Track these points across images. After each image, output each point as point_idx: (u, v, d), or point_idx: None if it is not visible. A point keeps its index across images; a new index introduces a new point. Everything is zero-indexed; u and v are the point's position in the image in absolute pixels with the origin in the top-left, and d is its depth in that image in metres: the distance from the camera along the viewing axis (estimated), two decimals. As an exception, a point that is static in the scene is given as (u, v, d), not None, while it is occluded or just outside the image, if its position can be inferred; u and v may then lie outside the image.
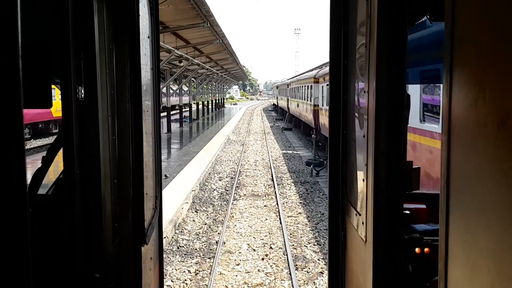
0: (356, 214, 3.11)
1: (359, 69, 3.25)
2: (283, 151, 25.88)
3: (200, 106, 56.89)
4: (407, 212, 3.08)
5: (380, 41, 2.58)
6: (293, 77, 46.40)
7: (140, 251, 3.03)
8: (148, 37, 3.32)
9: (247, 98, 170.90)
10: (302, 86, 32.57)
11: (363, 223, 2.88)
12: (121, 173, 2.96)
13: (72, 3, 2.52)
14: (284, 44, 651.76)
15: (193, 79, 45.52)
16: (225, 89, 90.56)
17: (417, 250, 3.02)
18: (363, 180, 2.86)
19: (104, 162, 2.77)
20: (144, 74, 3.04)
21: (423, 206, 3.53)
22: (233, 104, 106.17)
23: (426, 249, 3.02)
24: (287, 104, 44.41)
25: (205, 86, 59.42)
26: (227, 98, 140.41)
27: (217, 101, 72.43)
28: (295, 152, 25.45)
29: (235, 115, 60.25)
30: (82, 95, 2.61)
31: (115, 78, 2.90)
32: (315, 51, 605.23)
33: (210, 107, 62.74)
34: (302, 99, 32.50)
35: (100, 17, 2.71)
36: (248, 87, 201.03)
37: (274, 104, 78.59)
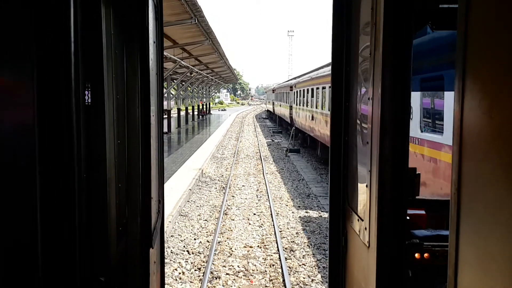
0: (358, 220, 3.10)
1: (362, 76, 3.20)
2: (300, 211, 12.74)
3: (183, 113, 46.48)
4: (407, 217, 2.93)
5: (386, 48, 2.60)
6: (301, 76, 35.78)
7: (148, 255, 3.10)
8: (154, 42, 3.35)
9: (238, 103, 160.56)
10: (318, 88, 22.15)
11: (366, 228, 2.86)
12: (128, 178, 2.98)
13: (80, 8, 2.44)
14: (277, 47, 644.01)
15: (173, 81, 35.60)
16: (212, 93, 80.00)
17: (417, 255, 3.07)
18: (367, 186, 2.87)
19: (110, 166, 2.73)
20: (151, 79, 3.09)
21: (423, 212, 3.59)
22: (222, 110, 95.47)
23: (425, 255, 3.07)
24: (291, 114, 33.90)
25: (188, 88, 48.89)
26: (216, 103, 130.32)
27: (200, 107, 61.79)
28: (323, 213, 12.52)
29: (222, 124, 49.67)
30: (89, 100, 2.57)
31: (124, 83, 2.93)
32: (310, 53, 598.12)
33: (192, 113, 52.17)
34: (317, 107, 21.98)
35: (107, 22, 2.69)
36: (239, 91, 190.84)
37: (268, 111, 68.29)
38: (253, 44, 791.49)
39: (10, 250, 2.09)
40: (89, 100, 2.58)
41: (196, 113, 58.41)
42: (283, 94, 41.36)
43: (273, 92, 54.39)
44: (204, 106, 65.73)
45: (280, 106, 43.59)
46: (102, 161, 2.64)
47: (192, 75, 41.35)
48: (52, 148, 2.22)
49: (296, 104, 30.60)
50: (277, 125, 44.90)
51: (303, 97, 27.14)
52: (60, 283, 2.26)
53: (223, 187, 16.22)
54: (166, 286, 7.23)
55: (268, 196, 14.77)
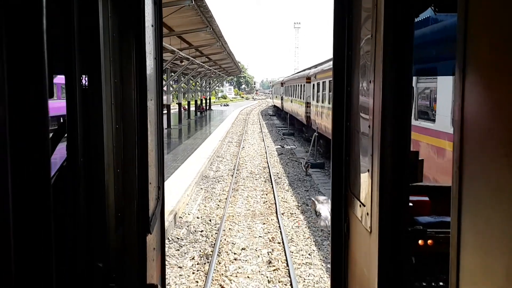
0: (360, 205, 3.10)
1: (364, 59, 3.17)
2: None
3: (176, 110, 39.27)
4: (411, 204, 2.99)
5: (387, 31, 2.58)
6: (324, 63, 28.56)
7: (145, 241, 3.05)
8: (152, 25, 3.31)
9: (242, 97, 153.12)
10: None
11: (368, 214, 2.86)
12: (125, 162, 2.95)
13: None
14: (282, 40, 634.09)
15: (173, 73, 28.60)
16: (214, 87, 72.70)
17: (420, 242, 3.06)
18: (368, 171, 2.84)
19: (108, 150, 2.67)
20: (148, 63, 3.06)
21: (426, 198, 3.55)
22: (224, 105, 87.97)
23: (429, 241, 3.06)
24: (308, 113, 26.47)
25: (191, 82, 41.64)
26: (219, 97, 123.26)
27: (199, 103, 54.49)
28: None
29: (222, 123, 42.33)
30: (86, 83, 2.54)
31: (120, 67, 2.91)
32: (317, 45, 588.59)
33: (188, 110, 44.91)
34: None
35: (104, 4, 2.64)
36: (243, 85, 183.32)
37: (275, 107, 60.99)
38: (258, 38, 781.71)
39: (5, 236, 1.93)
40: (86, 84, 2.52)
41: (188, 110, 51.19)
42: (295, 87, 33.95)
43: (282, 86, 46.98)
44: (204, 101, 58.44)
45: (292, 102, 36.20)
46: (100, 145, 2.56)
47: (192, 67, 34.21)
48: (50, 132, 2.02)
49: (317, 101, 23.23)
50: (288, 124, 37.56)
51: (330, 91, 19.83)
52: (57, 268, 2.02)
53: (208, 256, 9.00)
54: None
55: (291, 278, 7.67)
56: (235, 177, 17.06)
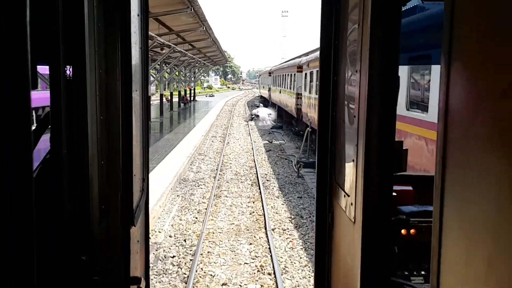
0: (344, 196, 3.10)
1: (351, 49, 3.15)
2: None
3: (158, 101, 36.87)
4: (394, 194, 3.01)
5: (374, 21, 2.56)
6: (318, 50, 26.25)
7: (129, 233, 3.04)
8: (138, 15, 3.30)
9: (229, 87, 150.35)
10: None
11: (352, 204, 2.87)
12: (110, 154, 2.92)
13: None
14: (270, 29, 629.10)
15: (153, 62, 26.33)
16: (198, 76, 70.14)
17: (403, 231, 3.11)
18: (353, 160, 2.84)
19: (92, 142, 2.62)
20: (133, 53, 3.05)
21: (410, 188, 3.56)
22: (210, 96, 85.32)
23: (412, 231, 3.11)
24: (299, 105, 24.37)
25: (176, 73, 39.27)
26: (204, 88, 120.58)
27: (182, 93, 52.08)
28: None
29: (207, 114, 40.09)
30: (70, 74, 2.49)
31: (106, 57, 2.87)
32: (305, 34, 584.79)
33: (171, 101, 42.54)
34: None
35: None
36: (230, 75, 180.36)
37: (262, 97, 58.87)
38: (245, 27, 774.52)
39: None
40: (70, 75, 2.49)
41: (169, 102, 48.81)
42: (285, 77, 31.83)
43: (270, 75, 44.80)
44: (188, 92, 56.02)
45: (280, 93, 34.08)
46: (84, 137, 2.52)
47: (175, 55, 31.85)
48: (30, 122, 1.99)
49: (310, 92, 21.16)
50: (276, 117, 35.51)
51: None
52: (41, 261, 2.02)
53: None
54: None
55: None
56: (218, 180, 14.98)
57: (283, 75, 33.31)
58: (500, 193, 1.13)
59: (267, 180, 14.97)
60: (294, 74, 26.56)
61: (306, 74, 22.86)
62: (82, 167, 2.52)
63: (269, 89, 44.86)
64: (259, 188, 13.68)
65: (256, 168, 16.83)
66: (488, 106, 1.21)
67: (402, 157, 2.83)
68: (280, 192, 13.40)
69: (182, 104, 50.53)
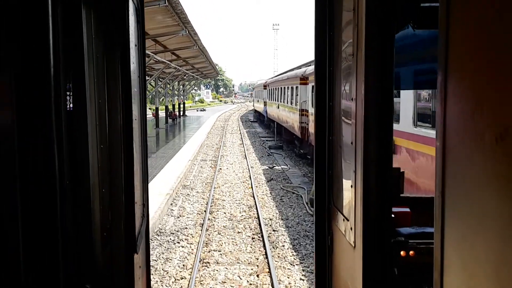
0: (343, 220, 3.10)
1: (345, 76, 3.22)
2: None
3: (149, 115, 32.89)
4: (392, 215, 3.01)
5: (368, 49, 2.61)
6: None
7: (133, 260, 3.06)
8: (136, 45, 3.34)
9: (221, 101, 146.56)
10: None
11: (351, 228, 2.87)
12: (111, 182, 2.98)
13: (60, 12, 2.45)
14: (261, 42, 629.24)
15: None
16: (188, 90, 66.29)
17: (402, 253, 3.10)
18: (352, 186, 2.87)
19: (93, 171, 2.73)
20: (133, 83, 3.10)
21: (407, 209, 3.56)
22: (201, 110, 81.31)
23: (411, 252, 3.09)
24: (304, 123, 20.38)
25: (165, 85, 35.36)
26: (196, 101, 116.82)
27: (170, 108, 48.11)
28: None
29: (196, 133, 36.08)
30: (71, 105, 2.59)
31: (106, 88, 2.93)
32: (297, 47, 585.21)
33: (156, 117, 38.52)
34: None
35: (88, 26, 2.68)
36: (221, 88, 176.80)
37: (257, 112, 55.15)
38: (236, 40, 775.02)
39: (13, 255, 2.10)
40: (71, 106, 2.53)
41: (165, 115, 44.79)
42: (284, 90, 28.03)
43: (265, 88, 41.02)
44: (177, 107, 52.05)
45: (279, 108, 30.24)
46: (86, 166, 2.59)
47: (157, 66, 28.03)
48: (35, 154, 2.19)
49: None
50: (275, 135, 31.56)
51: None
52: None
53: None
54: None
55: None
56: (207, 230, 10.98)
57: (281, 88, 29.51)
58: (501, 214, 1.13)
59: (274, 231, 10.96)
60: (297, 87, 22.75)
61: (312, 86, 19.04)
62: (84, 196, 2.57)
63: (265, 104, 41.02)
64: (264, 247, 9.69)
65: (256, 209, 12.85)
66: (485, 130, 1.22)
67: (399, 181, 3.16)
68: (294, 252, 9.42)
69: (170, 120, 46.56)
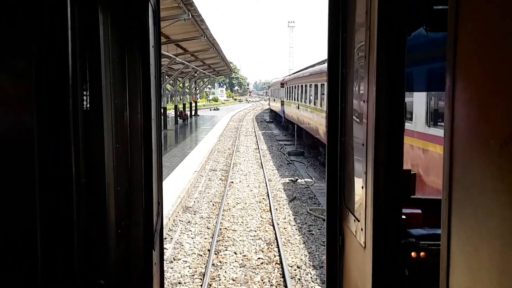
0: (354, 220, 3.12)
1: (357, 78, 3.25)
2: None
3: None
4: (403, 217, 3.01)
5: (380, 52, 2.62)
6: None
7: (151, 257, 3.11)
8: (153, 46, 3.36)
9: (235, 99, 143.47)
10: None
11: (362, 229, 2.89)
12: (129, 181, 3.04)
13: (77, 13, 2.46)
14: (276, 40, 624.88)
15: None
16: (202, 88, 63.24)
17: (413, 254, 3.10)
18: (362, 187, 2.89)
19: (108, 169, 2.75)
20: (152, 83, 3.15)
21: (419, 211, 3.56)
22: (214, 109, 78.03)
23: (422, 253, 3.10)
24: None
25: (181, 85, 32.41)
26: (210, 100, 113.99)
27: (180, 108, 45.04)
28: None
29: (207, 135, 32.87)
30: (88, 105, 2.62)
31: (127, 88, 2.98)
32: (312, 45, 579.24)
33: (163, 117, 35.44)
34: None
35: (104, 27, 2.70)
36: (236, 87, 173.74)
37: (272, 111, 51.87)
38: (251, 38, 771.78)
39: (9, 255, 2.12)
40: (88, 106, 2.57)
41: (174, 116, 41.73)
42: (305, 88, 24.63)
43: (282, 87, 37.64)
44: (188, 106, 48.99)
45: (299, 109, 26.84)
46: (101, 165, 2.63)
47: (175, 66, 25.01)
48: (52, 153, 2.24)
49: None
50: (294, 137, 28.08)
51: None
52: (60, 285, 2.22)
53: None
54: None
55: None
56: (210, 286, 7.71)
57: (302, 86, 26.11)
58: (505, 219, 1.14)
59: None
60: (322, 85, 19.37)
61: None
62: (99, 194, 2.60)
63: (282, 103, 37.64)
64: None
65: (278, 247, 9.56)
66: (492, 131, 1.23)
67: (410, 183, 3.07)
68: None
69: (180, 120, 43.49)
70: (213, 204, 13.43)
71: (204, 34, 19.50)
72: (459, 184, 1.45)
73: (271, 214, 12.19)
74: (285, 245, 9.79)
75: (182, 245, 9.84)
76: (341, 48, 3.51)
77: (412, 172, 3.11)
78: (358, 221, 2.99)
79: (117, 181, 2.87)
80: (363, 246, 2.85)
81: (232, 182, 16.65)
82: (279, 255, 9.16)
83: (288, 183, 16.40)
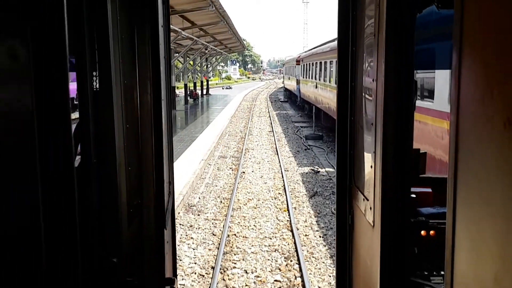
0: (363, 199, 3.16)
1: (367, 57, 3.24)
2: None
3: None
4: (413, 195, 3.08)
5: (389, 29, 2.60)
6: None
7: (163, 235, 3.15)
8: (161, 26, 3.30)
9: (248, 77, 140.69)
10: None
11: (371, 208, 2.92)
12: (142, 161, 3.06)
13: None
14: (290, 17, 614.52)
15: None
16: (214, 66, 60.98)
17: (423, 233, 3.13)
18: (371, 166, 2.89)
19: (119, 150, 2.71)
20: (161, 64, 3.15)
21: (429, 189, 3.59)
22: (226, 88, 75.54)
23: (431, 232, 3.13)
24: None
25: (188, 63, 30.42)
26: (222, 78, 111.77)
27: (191, 87, 43.02)
28: None
29: (217, 117, 30.87)
30: (97, 86, 2.56)
31: (137, 68, 2.98)
32: (327, 22, 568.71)
33: (184, 94, 33.49)
34: None
35: (113, 7, 2.61)
36: (249, 65, 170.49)
37: (287, 90, 49.62)
38: (265, 16, 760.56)
39: (20, 235, 2.11)
40: (97, 86, 2.55)
41: (184, 95, 39.74)
42: (325, 66, 22.35)
43: (298, 64, 35.28)
44: (199, 85, 46.89)
45: (317, 88, 24.59)
46: (112, 145, 2.63)
47: (183, 42, 22.96)
48: (61, 135, 2.17)
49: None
50: (312, 119, 25.89)
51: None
52: (72, 264, 2.22)
53: None
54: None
55: None
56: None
57: (321, 63, 23.82)
58: (508, 199, 1.16)
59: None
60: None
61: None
62: (110, 174, 2.59)
63: (298, 82, 35.35)
64: None
65: (299, 262, 7.65)
66: (498, 109, 1.22)
67: (419, 162, 2.95)
68: None
69: (191, 100, 41.53)
70: (221, 201, 11.52)
71: (212, 4, 17.30)
72: (465, 163, 1.45)
73: (289, 215, 10.26)
74: (307, 261, 7.87)
75: (181, 260, 7.96)
76: (351, 26, 3.48)
77: (421, 151, 3.01)
78: (367, 200, 3.02)
79: (128, 161, 2.85)
80: (372, 224, 2.88)
81: (243, 172, 14.71)
82: (301, 276, 7.24)
83: (307, 173, 14.41)
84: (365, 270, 3.16)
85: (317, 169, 14.89)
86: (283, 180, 13.46)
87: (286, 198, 11.63)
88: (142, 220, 3.02)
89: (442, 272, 3.05)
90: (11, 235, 2.05)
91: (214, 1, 17.14)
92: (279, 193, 12.29)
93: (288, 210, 10.68)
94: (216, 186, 13.06)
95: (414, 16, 2.67)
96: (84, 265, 2.33)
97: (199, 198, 11.79)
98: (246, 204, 11.33)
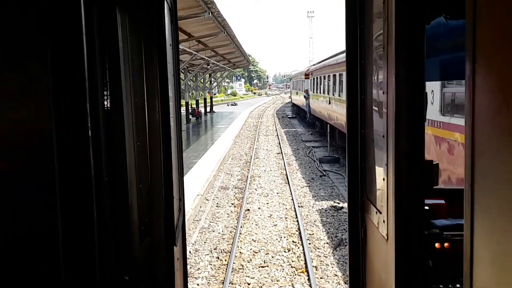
0: (376, 212, 3.12)
1: (376, 69, 3.25)
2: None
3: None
4: (427, 208, 2.99)
5: (399, 41, 2.61)
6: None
7: (173, 252, 3.16)
8: (170, 45, 3.41)
9: (254, 93, 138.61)
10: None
11: (384, 221, 2.90)
12: (150, 178, 3.07)
13: (96, 12, 2.51)
14: (295, 32, 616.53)
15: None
16: (219, 82, 58.70)
17: (437, 245, 3.07)
18: (384, 179, 2.88)
19: (130, 167, 2.80)
20: (169, 81, 3.21)
21: (443, 201, 3.57)
22: (231, 104, 72.99)
23: (446, 244, 3.08)
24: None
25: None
26: (228, 94, 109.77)
27: (193, 104, 40.62)
28: None
29: (217, 140, 28.23)
30: (108, 105, 2.66)
31: (145, 87, 3.03)
32: (332, 36, 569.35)
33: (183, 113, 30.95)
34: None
35: (123, 27, 2.74)
36: (255, 80, 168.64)
37: (294, 105, 47.12)
38: (270, 31, 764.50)
39: (33, 251, 2.13)
40: (108, 105, 2.58)
41: (185, 114, 37.28)
42: (339, 78, 19.73)
43: (307, 77, 32.72)
44: (201, 102, 44.45)
45: (330, 103, 21.91)
46: (123, 163, 2.65)
47: (181, 57, 20.55)
48: (75, 153, 2.23)
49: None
50: (327, 139, 23.09)
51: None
52: (84, 282, 2.24)
53: None
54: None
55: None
56: None
57: (334, 75, 21.22)
58: None
59: None
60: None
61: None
62: (122, 192, 2.64)
63: (307, 97, 32.73)
64: None
65: None
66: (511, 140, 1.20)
67: (432, 173, 2.89)
68: None
69: (193, 119, 39.06)
70: (218, 257, 8.79)
71: (208, 10, 14.83)
72: (481, 175, 1.43)
73: (309, 278, 7.51)
74: None
75: None
76: (359, 39, 3.48)
77: (434, 163, 2.91)
78: (380, 213, 3.00)
79: (139, 178, 2.88)
80: (386, 238, 2.86)
81: (248, 210, 11.99)
82: None
83: (326, 211, 11.66)
84: (379, 285, 3.12)
85: (339, 204, 12.12)
86: (297, 221, 10.73)
87: (303, 250, 8.89)
88: (153, 237, 3.04)
89: (458, 285, 3.04)
90: (28, 249, 2.09)
91: (210, 6, 14.67)
92: (293, 241, 9.56)
93: (307, 271, 7.94)
94: (213, 231, 10.34)
95: (423, 27, 2.67)
96: (100, 284, 2.33)
97: (190, 252, 9.07)
98: (250, 260, 8.59)
